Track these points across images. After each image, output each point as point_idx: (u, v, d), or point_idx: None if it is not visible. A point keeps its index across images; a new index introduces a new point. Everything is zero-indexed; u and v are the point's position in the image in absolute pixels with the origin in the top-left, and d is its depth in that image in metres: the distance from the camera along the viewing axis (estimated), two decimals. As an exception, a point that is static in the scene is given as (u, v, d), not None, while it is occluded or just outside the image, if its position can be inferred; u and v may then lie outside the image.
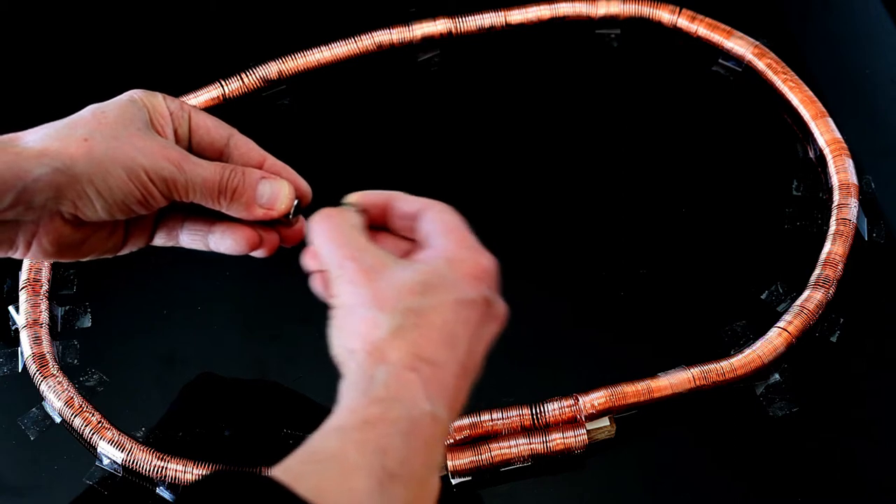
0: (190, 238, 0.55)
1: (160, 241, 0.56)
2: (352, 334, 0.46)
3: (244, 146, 0.54)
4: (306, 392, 0.67)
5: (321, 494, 0.39)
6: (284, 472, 0.40)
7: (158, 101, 0.52)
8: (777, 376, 0.65)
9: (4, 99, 0.81)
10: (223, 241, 0.54)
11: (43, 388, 0.65)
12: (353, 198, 0.51)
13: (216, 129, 0.54)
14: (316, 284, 0.51)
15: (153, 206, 0.51)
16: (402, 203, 0.51)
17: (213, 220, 0.55)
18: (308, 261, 0.51)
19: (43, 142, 0.48)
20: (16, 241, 0.51)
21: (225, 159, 0.54)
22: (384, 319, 0.45)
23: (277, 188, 0.53)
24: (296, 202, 0.53)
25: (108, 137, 0.49)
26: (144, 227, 0.55)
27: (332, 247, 0.48)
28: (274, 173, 0.54)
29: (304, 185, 0.55)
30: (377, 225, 0.52)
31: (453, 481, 0.62)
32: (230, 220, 0.54)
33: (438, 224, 0.49)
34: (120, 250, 0.55)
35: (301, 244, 0.53)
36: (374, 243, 0.49)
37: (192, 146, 0.53)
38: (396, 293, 0.46)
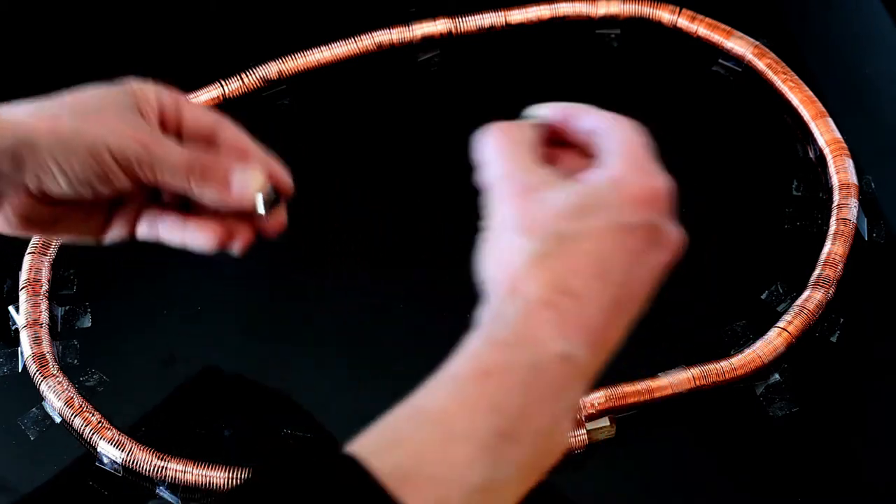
0: (168, 232, 0.55)
1: (143, 233, 0.56)
2: (495, 261, 0.44)
3: (232, 138, 0.54)
4: (306, 392, 0.66)
5: (420, 461, 0.38)
6: (384, 431, 0.39)
7: (149, 90, 0.53)
8: (777, 376, 0.65)
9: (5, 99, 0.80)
10: (195, 236, 0.54)
11: (43, 388, 0.65)
12: (540, 110, 0.49)
13: (204, 118, 0.54)
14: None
15: (116, 185, 0.51)
16: (584, 120, 0.48)
17: (188, 215, 0.55)
18: (479, 175, 0.48)
19: (9, 115, 0.50)
20: None
21: (213, 150, 0.54)
22: (528, 245, 0.42)
23: (249, 175, 0.52)
24: (274, 196, 0.53)
25: (77, 116, 0.50)
26: (127, 216, 0.55)
27: (494, 162, 0.46)
28: (260, 164, 0.53)
29: (286, 180, 0.54)
30: (561, 140, 0.49)
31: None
32: (204, 216, 0.54)
33: (617, 142, 0.46)
34: (100, 236, 0.55)
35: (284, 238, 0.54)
36: (547, 162, 0.46)
37: (182, 138, 0.54)
38: (547, 217, 0.43)
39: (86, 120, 0.50)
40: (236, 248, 0.54)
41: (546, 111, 0.49)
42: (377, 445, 0.38)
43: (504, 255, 0.43)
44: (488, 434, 0.38)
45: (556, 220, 0.43)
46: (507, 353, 0.40)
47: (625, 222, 0.43)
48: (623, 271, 0.42)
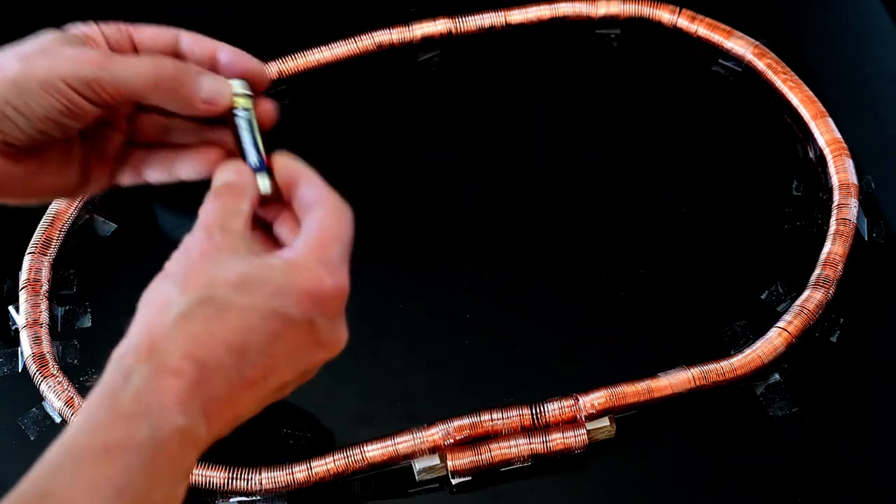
0: (157, 171, 0.53)
1: (127, 179, 0.54)
2: (146, 308, 0.45)
3: (195, 44, 0.52)
4: (306, 392, 0.66)
5: None
6: None
7: (90, 26, 0.51)
8: (777, 376, 0.65)
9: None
10: (184, 167, 0.52)
11: (43, 388, 0.65)
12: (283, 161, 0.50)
13: (160, 36, 0.52)
14: None
15: (82, 115, 0.48)
16: (305, 188, 0.49)
17: (174, 149, 0.53)
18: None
19: None
20: None
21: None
22: (178, 302, 0.44)
23: (219, 83, 0.50)
24: (248, 93, 0.51)
25: (20, 59, 0.48)
26: (104, 163, 0.53)
27: (204, 218, 0.47)
28: (227, 60, 0.51)
29: (258, 69, 0.51)
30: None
31: (453, 481, 0.62)
32: (192, 147, 0.53)
33: (314, 226, 0.47)
34: (82, 189, 0.53)
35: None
36: (252, 229, 0.48)
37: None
38: (209, 279, 0.44)
39: (31, 59, 0.48)
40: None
41: (280, 167, 0.50)
42: None
43: (155, 304, 0.44)
44: None
45: (215, 284, 0.44)
46: (129, 427, 0.41)
47: (281, 311, 0.44)
48: (262, 353, 0.44)
